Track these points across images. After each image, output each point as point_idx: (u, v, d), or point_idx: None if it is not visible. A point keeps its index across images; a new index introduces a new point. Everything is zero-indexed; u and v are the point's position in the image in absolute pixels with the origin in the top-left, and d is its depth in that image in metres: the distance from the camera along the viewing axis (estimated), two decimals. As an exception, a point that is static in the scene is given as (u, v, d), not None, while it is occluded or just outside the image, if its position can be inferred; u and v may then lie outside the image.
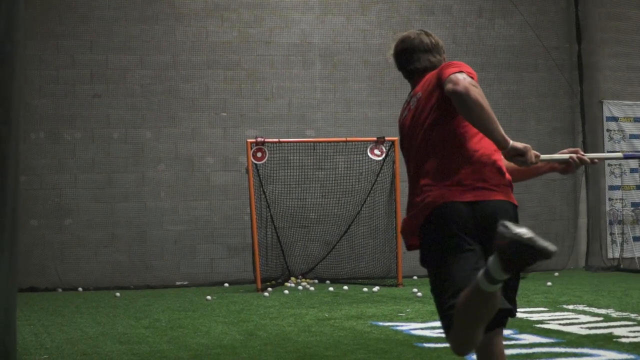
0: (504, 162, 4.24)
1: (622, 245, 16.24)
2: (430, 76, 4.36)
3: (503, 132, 4.00)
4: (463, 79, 3.99)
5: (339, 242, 15.07)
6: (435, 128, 4.24)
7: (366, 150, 14.11)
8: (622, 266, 15.86)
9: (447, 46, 15.83)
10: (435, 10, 16.10)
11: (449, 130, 4.22)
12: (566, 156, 4.41)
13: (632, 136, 16.54)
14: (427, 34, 4.56)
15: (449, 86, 4.01)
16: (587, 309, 10.08)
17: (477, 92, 3.97)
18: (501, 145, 4.00)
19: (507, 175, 4.27)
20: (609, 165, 16.44)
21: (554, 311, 9.91)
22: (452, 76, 4.03)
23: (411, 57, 4.50)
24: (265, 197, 14.40)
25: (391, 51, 4.61)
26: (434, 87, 4.25)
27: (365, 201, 14.91)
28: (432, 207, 4.16)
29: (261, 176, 14.18)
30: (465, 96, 3.95)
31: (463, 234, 4.10)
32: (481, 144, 4.20)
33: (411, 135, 4.37)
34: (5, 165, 2.56)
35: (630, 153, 4.38)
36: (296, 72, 15.56)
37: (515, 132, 15.80)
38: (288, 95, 15.52)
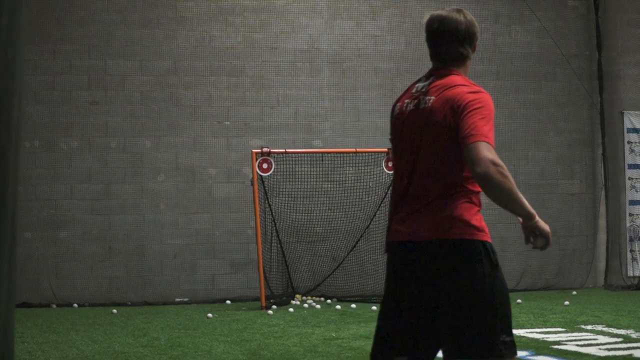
0: None
1: (643, 262, 16.09)
2: (449, 95, 3.86)
3: (527, 204, 3.75)
4: (484, 157, 3.63)
5: (347, 258, 14.89)
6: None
7: (379, 161, 14.33)
8: (643, 285, 15.71)
9: (461, 53, 15.63)
10: (449, 15, 15.68)
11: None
12: None
13: (653, 148, 16.20)
14: (465, 18, 4.03)
15: (471, 165, 3.67)
16: (606, 329, 10.10)
17: (499, 173, 3.63)
18: (528, 217, 3.78)
19: None
20: (630, 179, 16.20)
21: (572, 331, 9.86)
22: (474, 150, 3.66)
23: (443, 42, 4.04)
24: (271, 210, 14.32)
25: (424, 21, 4.11)
26: (449, 123, 3.82)
27: (374, 215, 14.70)
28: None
29: (266, 188, 14.07)
30: (487, 181, 3.64)
31: None
32: None
33: (414, 137, 3.96)
34: (5, 176, 2.46)
35: None
36: (303, 79, 15.32)
37: (533, 143, 15.78)
38: (294, 104, 15.30)
